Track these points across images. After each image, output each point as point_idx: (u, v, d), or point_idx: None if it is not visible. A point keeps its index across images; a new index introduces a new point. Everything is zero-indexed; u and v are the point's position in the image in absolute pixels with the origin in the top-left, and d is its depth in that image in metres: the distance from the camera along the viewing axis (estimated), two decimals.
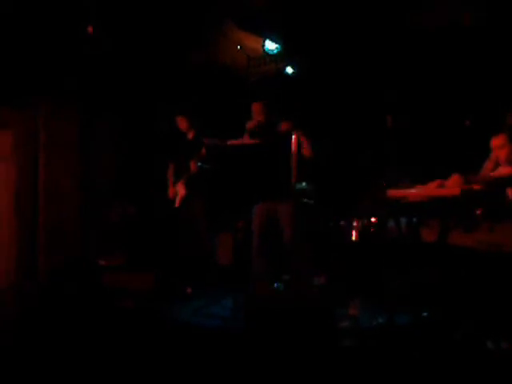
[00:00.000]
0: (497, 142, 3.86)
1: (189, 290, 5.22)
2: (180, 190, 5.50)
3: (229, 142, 5.65)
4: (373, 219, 4.92)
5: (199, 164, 5.36)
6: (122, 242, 5.83)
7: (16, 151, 4.96)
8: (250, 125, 4.88)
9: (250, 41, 6.25)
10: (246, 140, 5.39)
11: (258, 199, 4.78)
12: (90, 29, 4.93)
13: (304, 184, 5.26)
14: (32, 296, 4.69)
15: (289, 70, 6.14)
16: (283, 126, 4.79)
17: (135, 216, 6.09)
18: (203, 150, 5.40)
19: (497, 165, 4.39)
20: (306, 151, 4.64)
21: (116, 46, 5.35)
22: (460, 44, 5.18)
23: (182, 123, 5.71)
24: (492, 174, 4.08)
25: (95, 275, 4.98)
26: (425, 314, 3.83)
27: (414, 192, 4.14)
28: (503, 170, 4.05)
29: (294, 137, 4.53)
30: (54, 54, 4.77)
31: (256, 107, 4.86)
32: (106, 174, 5.95)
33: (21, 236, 5.03)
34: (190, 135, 5.70)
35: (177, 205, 5.48)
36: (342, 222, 5.29)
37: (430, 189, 4.01)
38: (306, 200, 5.18)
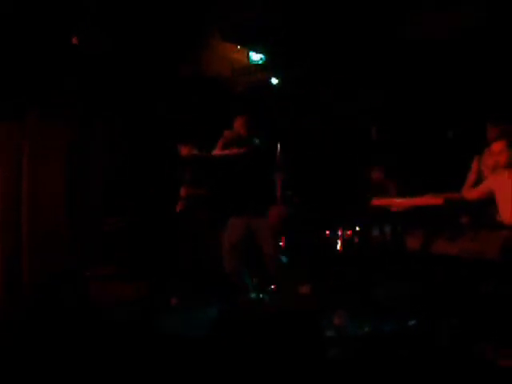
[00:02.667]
0: (497, 147, 3.92)
1: (173, 301, 5.17)
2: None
3: (213, 153, 5.67)
4: (357, 228, 4.95)
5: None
6: (112, 251, 5.75)
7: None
8: (228, 134, 4.89)
9: (235, 51, 6.28)
10: (231, 151, 5.39)
11: (238, 208, 4.75)
12: (75, 38, 4.89)
13: None
14: (17, 307, 4.59)
15: (274, 80, 6.19)
16: None
17: (126, 225, 6.01)
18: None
19: (480, 176, 4.48)
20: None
21: (109, 48, 5.32)
22: (442, 56, 5.30)
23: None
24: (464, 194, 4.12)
25: (83, 285, 4.91)
26: (411, 322, 3.85)
27: (399, 201, 4.21)
28: (471, 193, 4.09)
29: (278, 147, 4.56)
30: (45, 59, 4.70)
31: (239, 121, 4.91)
32: (101, 179, 5.85)
33: (3, 247, 4.90)
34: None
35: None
36: (327, 232, 5.32)
37: (414, 199, 4.08)
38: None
